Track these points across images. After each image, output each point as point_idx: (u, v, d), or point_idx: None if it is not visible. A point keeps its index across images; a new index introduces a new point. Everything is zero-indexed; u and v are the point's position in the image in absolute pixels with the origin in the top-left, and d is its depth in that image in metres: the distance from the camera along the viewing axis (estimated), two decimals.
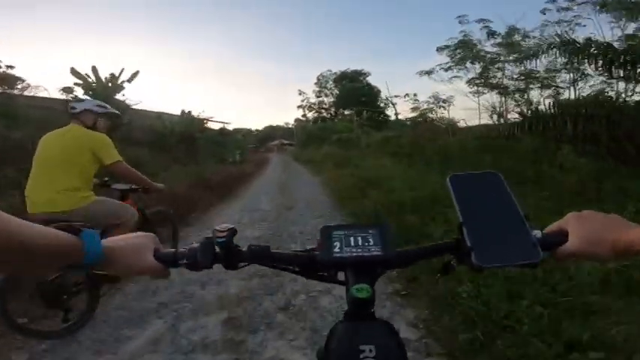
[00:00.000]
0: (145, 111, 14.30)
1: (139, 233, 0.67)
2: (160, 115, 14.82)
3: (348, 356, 0.55)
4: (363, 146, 17.19)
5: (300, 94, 35.03)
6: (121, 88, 11.18)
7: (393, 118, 28.23)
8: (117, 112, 2.92)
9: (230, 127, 33.01)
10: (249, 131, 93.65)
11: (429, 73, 17.22)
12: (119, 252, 0.61)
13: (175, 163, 10.91)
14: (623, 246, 0.56)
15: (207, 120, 26.38)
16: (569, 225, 0.61)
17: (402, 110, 24.93)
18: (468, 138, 10.61)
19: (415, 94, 19.13)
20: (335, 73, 34.33)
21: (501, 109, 15.77)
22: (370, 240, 0.64)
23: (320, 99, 35.31)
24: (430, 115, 17.07)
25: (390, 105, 24.29)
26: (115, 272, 0.64)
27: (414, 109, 18.55)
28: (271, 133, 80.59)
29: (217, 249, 0.65)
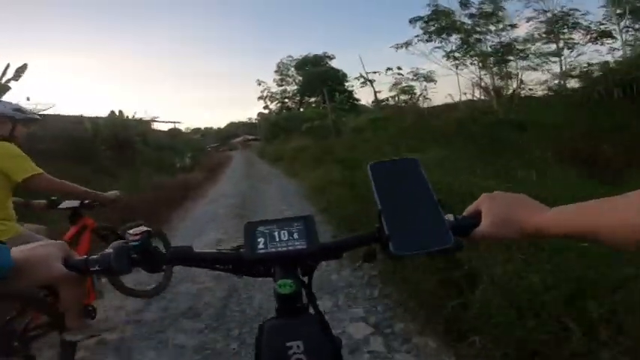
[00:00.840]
0: (61, 116, 12.37)
1: (48, 241, 0.65)
2: (80, 119, 11.88)
3: (276, 353, 0.55)
4: (348, 131, 14.68)
5: (259, 84, 31.88)
6: (6, 88, 8.15)
7: (363, 102, 25.98)
8: (38, 116, 2.44)
9: (183, 127, 30.53)
10: (209, 130, 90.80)
11: (407, 44, 15.17)
12: (27, 263, 0.59)
13: (100, 175, 8.31)
14: (532, 229, 0.58)
15: (153, 121, 23.29)
16: (482, 206, 0.63)
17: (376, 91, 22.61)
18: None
19: (399, 67, 16.85)
20: (296, 59, 31.54)
21: (487, 82, 14.20)
22: (295, 234, 0.64)
23: (282, 88, 32.41)
24: (415, 92, 15.04)
25: (367, 84, 21.25)
26: (23, 284, 0.61)
27: (395, 86, 16.44)
28: (234, 130, 77.75)
29: (135, 253, 0.63)
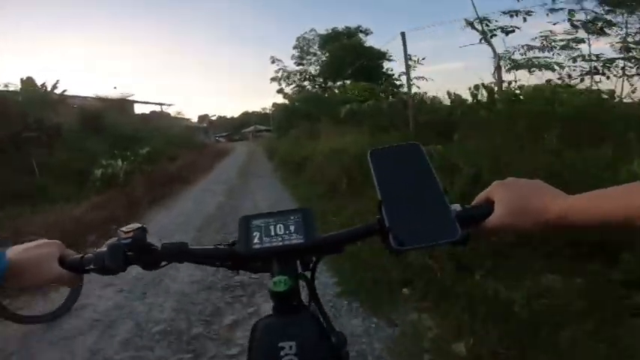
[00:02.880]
0: None
1: (43, 241, 0.63)
2: None
3: (267, 354, 0.53)
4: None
5: (273, 61, 24.87)
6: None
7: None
8: None
9: (173, 111, 23.78)
10: (222, 118, 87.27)
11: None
12: (23, 264, 0.57)
13: None
14: (554, 217, 0.52)
15: (125, 100, 17.27)
16: (494, 195, 0.57)
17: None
18: None
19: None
20: (320, 35, 24.65)
21: None
22: (291, 227, 0.61)
23: (301, 67, 25.60)
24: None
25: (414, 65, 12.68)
26: (20, 285, 0.59)
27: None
28: (247, 119, 73.34)
29: (130, 251, 0.61)
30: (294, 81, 23.59)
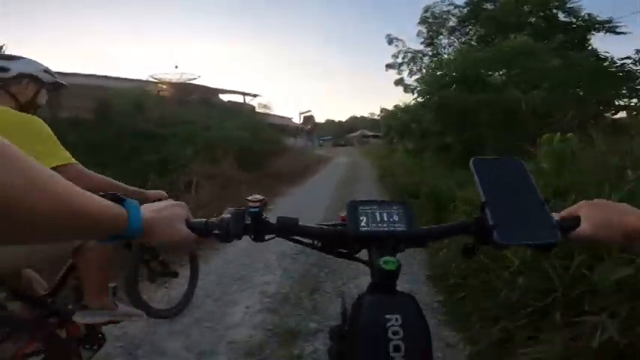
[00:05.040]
0: None
1: (172, 202, 0.65)
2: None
3: (375, 325, 0.55)
4: None
5: (390, 41, 18.09)
6: None
7: None
8: (63, 82, 1.85)
9: (257, 103, 20.26)
10: (331, 122, 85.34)
11: None
12: (157, 222, 0.59)
13: None
14: (636, 231, 0.59)
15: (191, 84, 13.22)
16: (581, 211, 0.63)
17: None
18: None
19: None
20: (458, 5, 16.78)
21: None
22: (395, 216, 0.65)
23: (430, 46, 17.99)
24: None
25: None
26: (151, 243, 0.61)
27: None
28: (355, 124, 69.95)
29: (247, 220, 0.65)
30: (422, 67, 16.63)
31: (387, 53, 20.32)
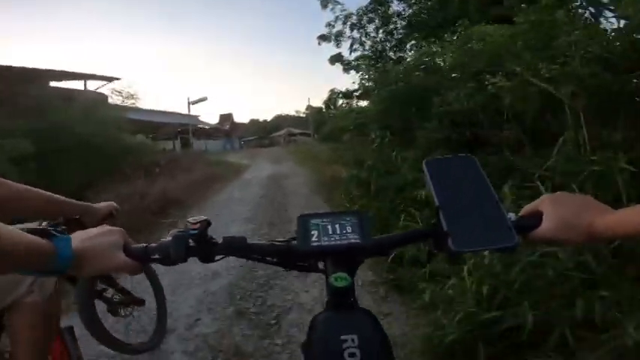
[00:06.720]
0: None
1: (107, 228, 0.62)
2: None
3: (330, 346, 0.53)
4: None
5: (325, 5, 13.21)
6: None
7: None
8: None
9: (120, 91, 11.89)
10: (255, 121, 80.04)
11: None
12: (90, 253, 0.57)
13: None
14: (600, 231, 0.55)
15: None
16: (543, 207, 0.60)
17: None
18: None
19: None
20: None
21: None
22: (348, 228, 0.63)
23: (380, 8, 13.46)
24: None
25: None
26: (84, 273, 0.59)
27: None
28: (280, 122, 65.62)
29: (191, 242, 0.62)
30: (369, 38, 11.97)
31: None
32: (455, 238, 0.55)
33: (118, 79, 12.83)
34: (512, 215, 0.60)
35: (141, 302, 1.92)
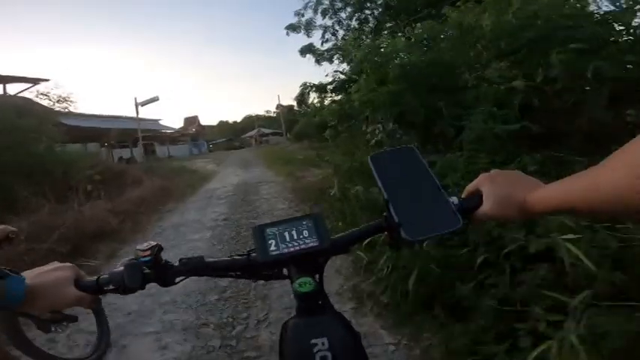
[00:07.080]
0: None
1: (57, 265, 0.61)
2: None
3: (301, 351, 0.53)
4: None
5: None
6: None
7: None
8: None
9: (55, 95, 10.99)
10: (224, 123, 77.20)
11: None
12: (40, 290, 0.56)
13: None
14: (531, 207, 0.55)
15: None
16: (481, 186, 0.61)
17: None
18: None
19: None
20: None
21: None
22: (305, 232, 0.63)
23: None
24: None
25: None
26: (35, 311, 0.59)
27: None
28: (250, 123, 63.43)
29: (145, 269, 0.60)
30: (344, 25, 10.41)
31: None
32: (406, 228, 0.57)
33: (46, 80, 10.59)
34: (454, 199, 0.61)
35: (73, 319, 1.38)
